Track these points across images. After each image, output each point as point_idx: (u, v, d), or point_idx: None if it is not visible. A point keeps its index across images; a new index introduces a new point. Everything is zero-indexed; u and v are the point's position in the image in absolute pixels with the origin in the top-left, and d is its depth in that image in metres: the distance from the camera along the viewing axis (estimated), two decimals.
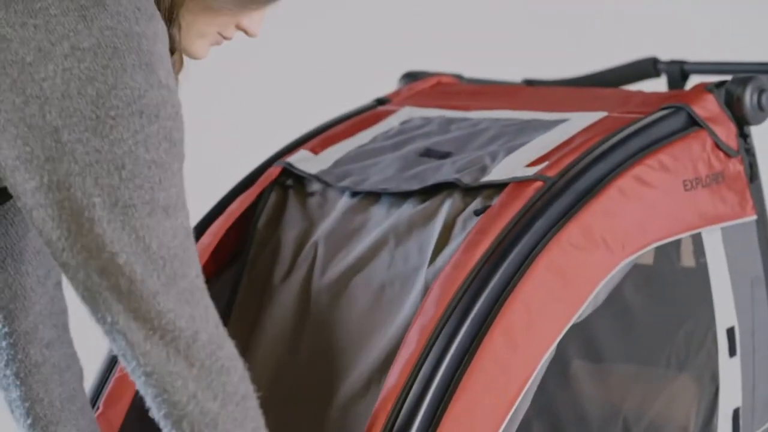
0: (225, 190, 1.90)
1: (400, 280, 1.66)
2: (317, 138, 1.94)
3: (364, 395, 1.61)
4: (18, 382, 1.55)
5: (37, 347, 1.54)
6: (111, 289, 1.29)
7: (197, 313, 1.32)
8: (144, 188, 1.28)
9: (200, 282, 1.33)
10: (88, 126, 1.26)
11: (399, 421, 1.49)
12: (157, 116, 1.28)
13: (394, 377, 1.51)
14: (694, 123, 1.78)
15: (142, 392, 1.34)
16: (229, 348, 1.35)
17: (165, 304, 1.30)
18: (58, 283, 1.56)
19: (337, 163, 1.84)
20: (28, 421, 1.55)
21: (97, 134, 1.26)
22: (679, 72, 2.24)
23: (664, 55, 2.28)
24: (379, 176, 1.77)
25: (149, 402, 1.34)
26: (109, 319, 1.30)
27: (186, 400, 1.32)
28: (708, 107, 1.80)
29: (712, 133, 1.79)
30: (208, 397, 1.32)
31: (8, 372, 1.55)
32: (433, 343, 1.52)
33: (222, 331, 1.35)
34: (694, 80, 1.97)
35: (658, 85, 2.24)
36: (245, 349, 1.72)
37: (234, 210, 1.85)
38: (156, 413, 1.34)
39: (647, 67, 2.27)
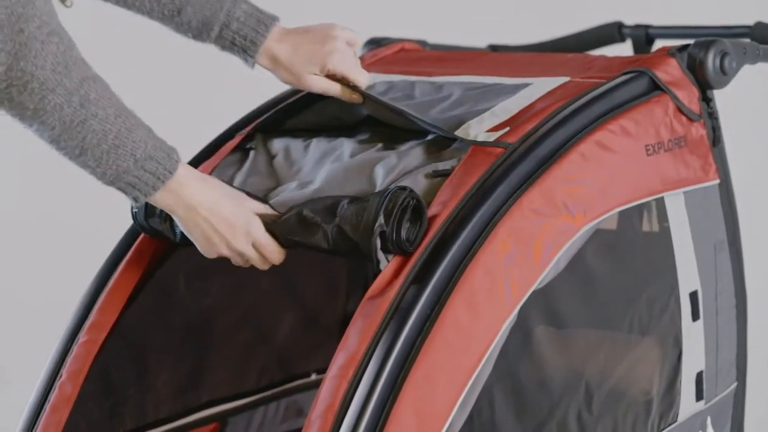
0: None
1: None
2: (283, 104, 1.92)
3: None
4: None
5: None
6: None
7: None
8: None
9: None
10: None
11: (360, 388, 1.49)
12: None
13: (355, 345, 1.50)
14: (656, 87, 1.78)
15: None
16: None
17: None
18: None
19: None
20: None
21: None
22: (644, 37, 2.24)
23: (630, 20, 2.27)
24: None
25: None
26: None
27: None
28: (670, 71, 1.80)
29: (675, 98, 1.79)
30: None
31: None
32: (394, 312, 1.52)
33: None
34: (659, 45, 1.96)
35: (624, 50, 2.23)
36: None
37: None
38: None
39: (612, 32, 2.26)
